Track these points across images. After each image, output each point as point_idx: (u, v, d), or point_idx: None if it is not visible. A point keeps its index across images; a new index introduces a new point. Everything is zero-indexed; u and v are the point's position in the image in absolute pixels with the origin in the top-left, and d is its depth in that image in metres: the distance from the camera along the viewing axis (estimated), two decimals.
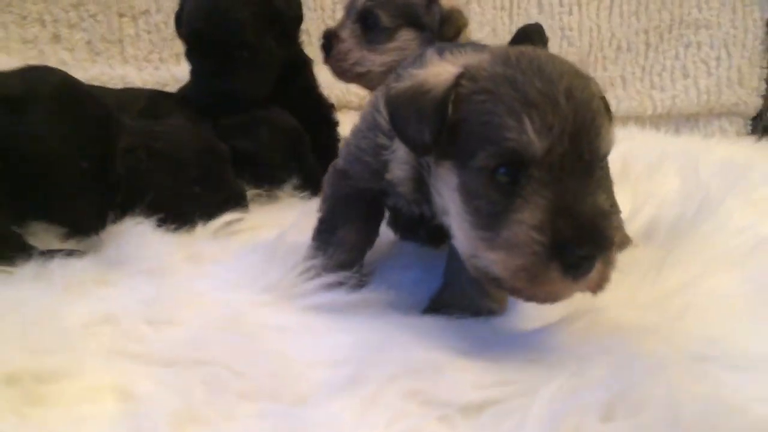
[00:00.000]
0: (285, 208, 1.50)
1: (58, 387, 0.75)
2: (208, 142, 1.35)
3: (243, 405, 0.74)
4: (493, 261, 0.81)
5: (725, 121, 2.82)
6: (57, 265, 1.02)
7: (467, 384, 0.78)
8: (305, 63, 1.83)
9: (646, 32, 2.73)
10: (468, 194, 0.85)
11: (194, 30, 1.59)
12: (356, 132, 1.10)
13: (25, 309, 0.86)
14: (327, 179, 1.13)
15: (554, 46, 2.67)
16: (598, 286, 0.80)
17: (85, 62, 2.03)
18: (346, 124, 2.26)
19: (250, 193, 1.47)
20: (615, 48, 2.72)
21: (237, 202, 1.38)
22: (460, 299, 1.00)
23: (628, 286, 1.07)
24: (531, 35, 1.48)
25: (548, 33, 2.59)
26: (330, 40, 1.58)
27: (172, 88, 2.03)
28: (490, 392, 0.77)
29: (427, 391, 0.76)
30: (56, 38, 2.01)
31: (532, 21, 2.63)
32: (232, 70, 1.54)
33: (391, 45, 1.57)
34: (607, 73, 2.74)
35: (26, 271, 1.02)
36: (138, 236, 1.16)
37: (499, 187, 0.81)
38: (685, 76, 2.76)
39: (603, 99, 0.89)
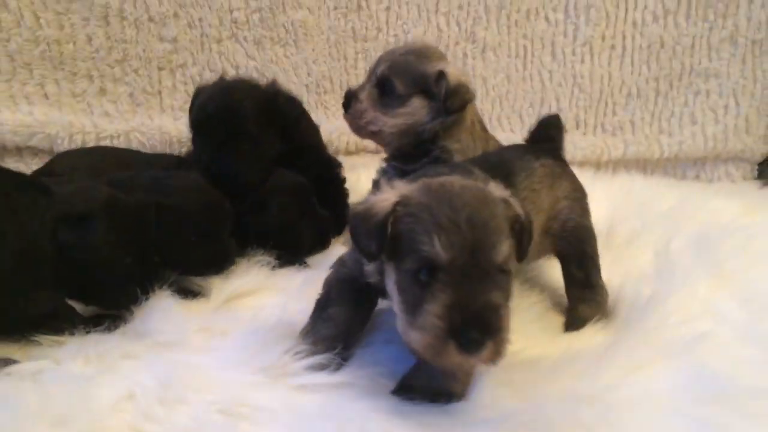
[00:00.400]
0: (292, 270, 1.70)
1: None
2: (213, 198, 1.56)
3: None
4: (413, 339, 1.09)
5: (731, 166, 2.92)
6: (93, 340, 1.25)
7: None
8: (310, 145, 2.00)
9: (657, 80, 2.84)
10: (401, 288, 1.13)
11: (204, 116, 1.75)
12: None
13: (66, 391, 1.07)
14: (332, 266, 1.34)
15: (566, 92, 2.81)
16: (490, 361, 1.06)
17: (127, 113, 2.26)
18: (363, 168, 2.45)
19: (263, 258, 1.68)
20: (625, 94, 2.84)
21: (225, 259, 1.58)
22: (425, 382, 1.20)
23: (572, 377, 1.24)
24: (549, 127, 1.64)
25: (560, 79, 2.78)
26: (350, 99, 1.79)
27: None
28: None
29: None
30: (102, 91, 2.23)
31: (545, 68, 2.79)
32: (233, 157, 1.71)
33: (403, 110, 1.77)
34: (616, 118, 2.86)
35: (72, 345, 1.24)
36: (160, 307, 1.37)
37: (419, 283, 1.09)
38: (693, 122, 2.87)
39: (513, 216, 1.18)
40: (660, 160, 2.89)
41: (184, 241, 1.46)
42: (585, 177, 2.53)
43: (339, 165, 2.06)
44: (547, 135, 1.65)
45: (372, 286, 1.28)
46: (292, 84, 2.50)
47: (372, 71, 1.79)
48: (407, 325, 1.10)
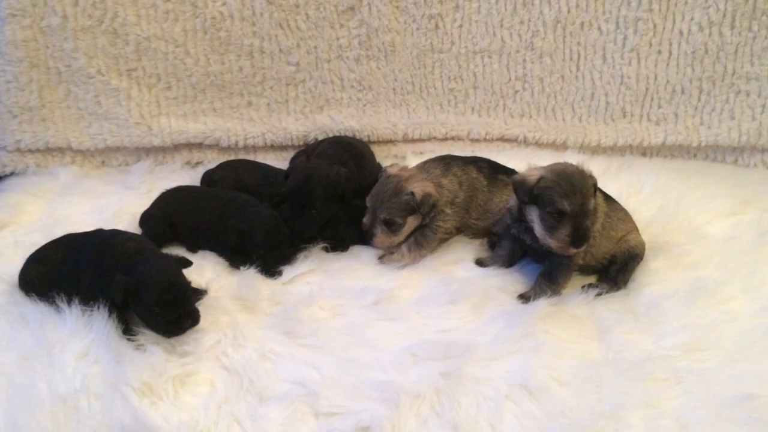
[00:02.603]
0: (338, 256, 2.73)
1: None
2: (276, 225, 2.53)
3: None
4: (551, 243, 2.31)
5: (767, 155, 3.33)
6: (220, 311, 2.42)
7: None
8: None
9: (700, 80, 3.26)
10: (542, 219, 2.31)
11: (290, 191, 2.62)
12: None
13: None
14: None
15: (614, 89, 3.37)
16: (586, 251, 2.39)
17: (265, 119, 3.29)
18: (430, 153, 3.31)
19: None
20: (670, 91, 3.31)
21: (285, 262, 2.57)
22: (536, 292, 2.42)
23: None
24: None
25: (609, 79, 3.37)
26: (368, 234, 2.65)
27: (317, 134, 3.31)
28: None
29: None
30: (249, 104, 3.25)
31: (596, 70, 3.34)
32: (303, 220, 2.61)
33: (404, 230, 2.63)
34: (661, 110, 3.36)
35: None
36: (249, 281, 2.49)
37: (554, 218, 2.26)
38: (732, 118, 3.29)
39: (594, 183, 2.30)
40: (699, 148, 3.38)
41: (254, 254, 2.53)
42: (613, 162, 3.28)
43: None
44: None
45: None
46: (382, 88, 3.38)
47: (373, 211, 2.61)
48: (547, 237, 2.29)
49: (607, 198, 2.58)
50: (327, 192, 2.63)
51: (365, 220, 2.65)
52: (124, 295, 2.08)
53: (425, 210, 2.58)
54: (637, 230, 2.60)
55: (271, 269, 2.55)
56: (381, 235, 2.62)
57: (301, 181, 2.64)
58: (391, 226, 2.60)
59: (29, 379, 2.00)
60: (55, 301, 2.22)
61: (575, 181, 2.22)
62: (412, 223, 2.63)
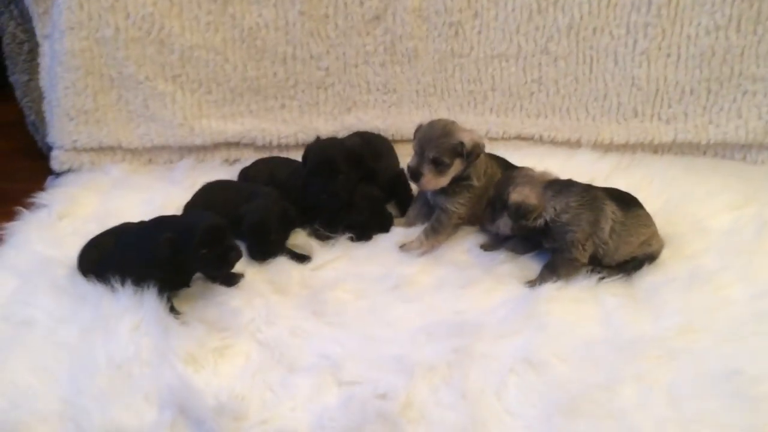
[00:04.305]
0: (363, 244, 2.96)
1: None
2: (263, 216, 2.71)
3: None
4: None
5: None
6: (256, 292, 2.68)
7: None
8: (386, 169, 3.07)
9: (708, 81, 3.39)
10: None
11: (314, 163, 2.88)
12: None
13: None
14: None
15: (626, 90, 3.50)
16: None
17: (297, 120, 3.52)
18: None
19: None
20: (679, 92, 3.44)
21: (263, 255, 2.72)
22: (540, 280, 2.62)
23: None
24: None
25: (620, 80, 3.54)
26: (416, 175, 2.78)
27: (345, 134, 3.54)
28: None
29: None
30: (282, 106, 3.47)
31: (608, 72, 3.51)
32: (336, 186, 2.83)
33: (450, 171, 2.77)
34: (671, 110, 3.49)
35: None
36: (281, 266, 2.74)
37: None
38: (739, 117, 3.41)
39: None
40: (708, 145, 3.53)
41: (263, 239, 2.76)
42: (624, 159, 3.47)
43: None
44: None
45: None
46: (406, 91, 3.60)
47: (421, 152, 2.74)
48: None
49: (627, 205, 2.72)
50: (347, 156, 2.87)
51: (411, 162, 2.79)
52: (171, 249, 2.35)
53: (471, 159, 2.76)
54: (658, 233, 2.77)
55: (256, 257, 2.79)
56: (429, 174, 2.74)
57: (321, 152, 2.89)
58: (439, 166, 2.72)
59: (89, 349, 2.28)
60: (110, 282, 2.49)
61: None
62: (457, 166, 2.76)
